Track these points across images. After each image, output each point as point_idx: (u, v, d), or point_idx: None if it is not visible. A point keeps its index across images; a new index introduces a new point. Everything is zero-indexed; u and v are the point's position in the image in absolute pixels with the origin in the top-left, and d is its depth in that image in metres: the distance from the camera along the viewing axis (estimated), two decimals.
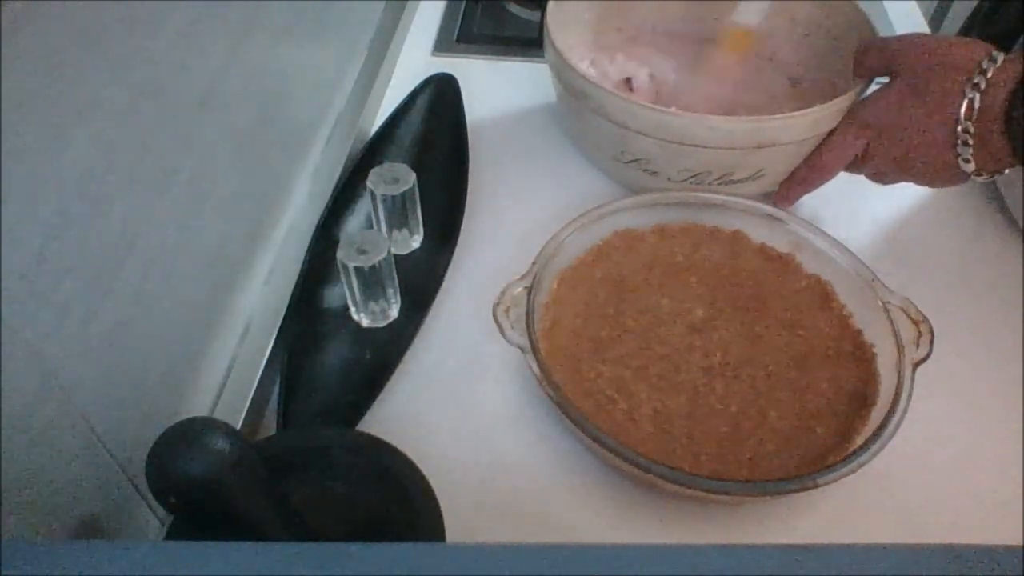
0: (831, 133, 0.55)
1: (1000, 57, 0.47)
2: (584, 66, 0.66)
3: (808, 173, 0.57)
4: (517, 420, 0.49)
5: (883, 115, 0.52)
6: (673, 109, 0.53)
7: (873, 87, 0.54)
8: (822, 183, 0.57)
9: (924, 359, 0.46)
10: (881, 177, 0.56)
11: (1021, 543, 0.23)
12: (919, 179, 0.54)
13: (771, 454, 0.45)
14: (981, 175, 0.50)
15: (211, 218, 0.45)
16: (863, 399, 0.47)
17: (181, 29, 0.39)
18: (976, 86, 0.47)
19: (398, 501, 0.37)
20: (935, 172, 0.52)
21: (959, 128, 0.48)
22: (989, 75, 0.47)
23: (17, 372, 0.30)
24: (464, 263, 0.57)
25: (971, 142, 0.48)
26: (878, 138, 0.53)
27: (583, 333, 0.50)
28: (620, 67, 0.68)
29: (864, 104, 0.54)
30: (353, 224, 0.57)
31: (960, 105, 0.48)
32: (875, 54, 0.53)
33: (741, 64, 0.65)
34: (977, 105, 0.47)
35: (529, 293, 0.47)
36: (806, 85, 0.66)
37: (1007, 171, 0.50)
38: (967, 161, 0.50)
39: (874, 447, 0.41)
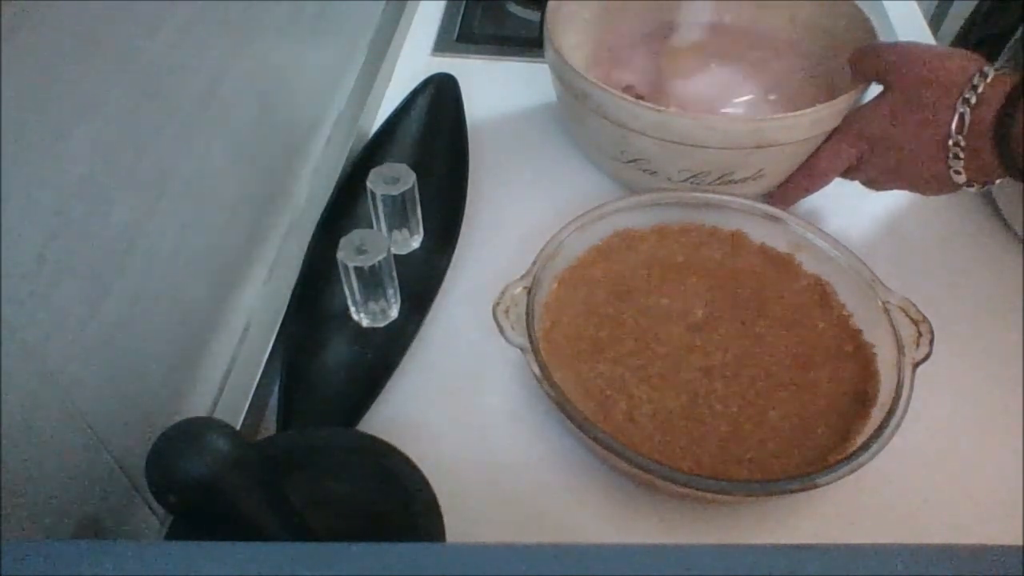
0: (827, 140, 0.55)
1: (991, 73, 0.48)
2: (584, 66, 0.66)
3: (803, 179, 0.57)
4: (517, 420, 0.49)
5: (876, 126, 0.53)
6: (673, 109, 0.53)
7: (874, 87, 0.55)
8: (817, 189, 0.58)
9: (924, 359, 0.46)
10: (875, 184, 0.57)
11: (1021, 543, 0.23)
12: (911, 188, 0.55)
13: (771, 454, 0.45)
14: (972, 186, 0.51)
15: (211, 218, 0.45)
16: (863, 399, 0.47)
17: (181, 29, 0.39)
18: (967, 101, 0.48)
19: (398, 501, 0.37)
20: (927, 182, 0.53)
21: (950, 142, 0.49)
22: (980, 91, 0.47)
23: (17, 372, 0.30)
24: (464, 263, 0.57)
25: (962, 155, 0.49)
26: (871, 149, 0.54)
27: (583, 333, 0.50)
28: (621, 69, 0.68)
29: (858, 114, 0.54)
30: (353, 224, 0.57)
31: (951, 119, 0.48)
32: (870, 61, 0.54)
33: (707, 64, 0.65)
34: (968, 120, 0.48)
35: (529, 293, 0.47)
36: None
37: (998, 181, 0.51)
38: (958, 173, 0.50)
39: (874, 447, 0.41)
